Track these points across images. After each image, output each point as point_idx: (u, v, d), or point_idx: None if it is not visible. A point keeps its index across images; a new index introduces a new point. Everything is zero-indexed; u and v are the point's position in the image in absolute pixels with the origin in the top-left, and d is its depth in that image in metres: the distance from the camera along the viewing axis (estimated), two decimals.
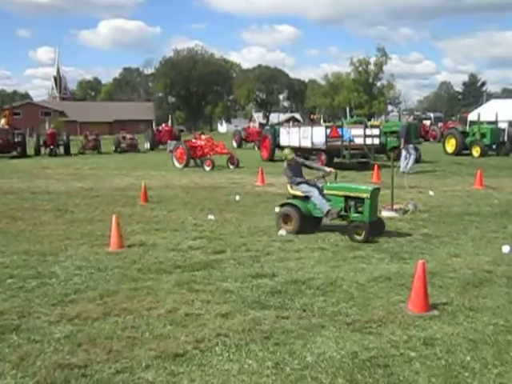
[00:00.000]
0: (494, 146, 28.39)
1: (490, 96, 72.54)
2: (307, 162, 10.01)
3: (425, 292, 5.29)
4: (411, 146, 18.89)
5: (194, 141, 23.06)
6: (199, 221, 10.16)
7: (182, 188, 15.42)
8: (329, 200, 8.85)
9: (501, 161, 24.89)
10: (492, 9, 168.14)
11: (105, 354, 4.34)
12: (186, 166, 21.94)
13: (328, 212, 8.71)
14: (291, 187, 9.26)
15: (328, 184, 9.18)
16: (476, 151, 27.64)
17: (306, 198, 9.01)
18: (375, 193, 8.68)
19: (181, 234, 9.01)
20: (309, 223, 9.01)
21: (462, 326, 4.94)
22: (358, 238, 8.30)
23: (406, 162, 18.65)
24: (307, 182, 9.21)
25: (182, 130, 42.76)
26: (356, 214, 8.61)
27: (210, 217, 10.43)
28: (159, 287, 6.09)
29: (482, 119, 29.81)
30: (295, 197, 9.18)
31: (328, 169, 9.47)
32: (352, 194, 8.67)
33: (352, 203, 8.66)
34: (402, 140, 18.87)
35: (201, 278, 6.42)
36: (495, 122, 29.98)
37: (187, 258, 7.37)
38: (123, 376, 4.01)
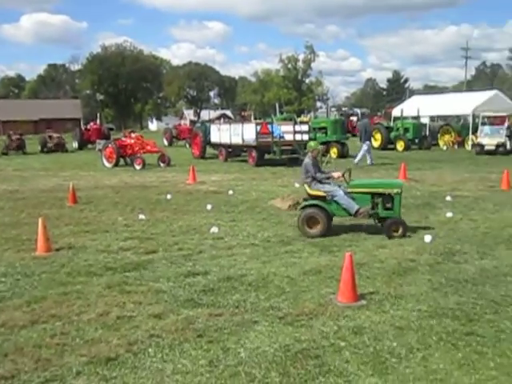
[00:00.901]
0: (416, 141, 29.67)
1: (413, 92, 75.60)
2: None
3: (353, 283, 5.47)
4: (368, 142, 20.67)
5: (123, 139, 22.62)
6: (130, 221, 10.00)
7: (112, 188, 15.10)
8: (353, 198, 8.46)
9: (423, 154, 26.06)
10: (414, 8, 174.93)
11: (33, 363, 4.20)
12: (116, 165, 21.52)
13: (357, 211, 8.34)
14: (310, 187, 8.61)
15: (354, 181, 8.80)
16: (400, 145, 28.80)
17: (329, 198, 8.49)
18: (402, 187, 8.71)
19: (111, 235, 8.84)
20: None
21: (388, 314, 5.15)
22: (395, 234, 8.19)
23: (369, 155, 20.53)
24: (328, 182, 8.71)
25: (111, 129, 41.68)
26: (385, 211, 8.44)
27: (141, 216, 10.29)
28: (89, 290, 5.95)
29: (405, 115, 31.05)
30: (314, 197, 8.61)
31: (336, 174, 8.73)
32: (382, 191, 8.44)
33: (380, 200, 8.43)
34: (365, 136, 20.38)
35: (132, 279, 6.34)
36: (417, 118, 31.32)
37: (118, 260, 7.24)
38: None
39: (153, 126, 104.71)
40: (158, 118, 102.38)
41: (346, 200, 8.41)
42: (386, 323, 4.92)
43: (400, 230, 8.26)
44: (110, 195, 13.63)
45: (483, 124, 27.58)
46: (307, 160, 8.77)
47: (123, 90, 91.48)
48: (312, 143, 9.17)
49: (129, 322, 5.01)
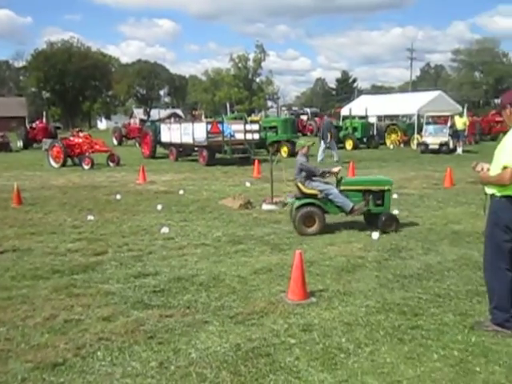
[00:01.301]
0: (364, 140, 30.32)
1: (361, 92, 77.31)
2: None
3: (303, 281, 5.54)
4: (333, 141, 21.52)
5: (71, 138, 22.07)
6: (78, 222, 9.78)
7: (60, 188, 14.73)
8: (347, 196, 8.61)
9: (371, 153, 26.61)
10: (360, 9, 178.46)
11: None
12: (64, 165, 20.98)
13: (352, 209, 8.52)
14: (304, 185, 8.61)
15: (346, 179, 9.04)
16: (349, 144, 29.35)
17: (322, 197, 8.58)
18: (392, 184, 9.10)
19: (58, 236, 8.62)
20: None
21: (337, 311, 5.24)
22: (389, 229, 8.46)
23: (323, 154, 21.25)
24: (319, 179, 8.85)
25: (58, 127, 40.68)
26: (376, 207, 8.71)
27: (90, 217, 10.08)
28: (35, 294, 5.79)
29: (353, 114, 31.65)
30: (308, 196, 8.61)
31: (336, 169, 8.94)
32: (374, 188, 8.71)
33: (370, 196, 8.67)
34: (328, 135, 20.97)
35: (81, 282, 6.20)
36: (365, 117, 32.00)
37: (66, 262, 7.07)
38: None
39: (102, 124, 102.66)
40: (107, 117, 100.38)
41: (341, 198, 8.54)
42: (335, 320, 5.01)
43: (393, 225, 8.58)
44: (57, 196, 13.29)
45: (427, 124, 28.43)
46: (302, 158, 8.79)
47: (70, 88, 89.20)
48: (302, 141, 9.34)
49: (77, 326, 4.90)
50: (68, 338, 4.62)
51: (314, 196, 8.61)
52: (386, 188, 8.76)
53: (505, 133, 4.90)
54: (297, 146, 9.41)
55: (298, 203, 8.62)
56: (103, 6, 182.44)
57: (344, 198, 8.57)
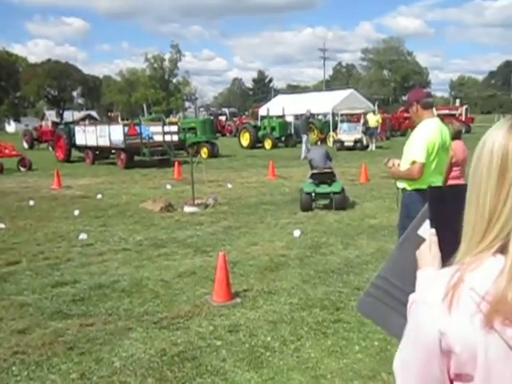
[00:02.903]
0: (283, 139, 30.81)
1: (277, 91, 78.41)
2: None
3: (227, 282, 5.54)
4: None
5: None
6: None
7: None
8: None
9: (289, 152, 27.05)
10: (271, 10, 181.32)
11: None
12: None
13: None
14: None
15: None
16: (268, 144, 29.72)
17: None
18: None
19: None
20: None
21: (262, 310, 5.28)
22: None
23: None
24: None
25: None
26: None
27: (0, 225, 9.54)
28: None
29: (271, 114, 32.06)
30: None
31: None
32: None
33: None
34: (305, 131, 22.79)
35: None
36: (282, 116, 32.55)
37: None
38: None
39: (10, 127, 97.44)
40: (17, 119, 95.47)
41: None
42: (260, 319, 5.05)
43: None
44: None
45: (342, 121, 29.35)
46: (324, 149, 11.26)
47: None
48: (313, 136, 11.55)
49: None
50: None
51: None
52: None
53: (412, 128, 5.15)
54: (310, 141, 10.90)
55: (340, 186, 10.40)
56: (4, 1, 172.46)
57: None
